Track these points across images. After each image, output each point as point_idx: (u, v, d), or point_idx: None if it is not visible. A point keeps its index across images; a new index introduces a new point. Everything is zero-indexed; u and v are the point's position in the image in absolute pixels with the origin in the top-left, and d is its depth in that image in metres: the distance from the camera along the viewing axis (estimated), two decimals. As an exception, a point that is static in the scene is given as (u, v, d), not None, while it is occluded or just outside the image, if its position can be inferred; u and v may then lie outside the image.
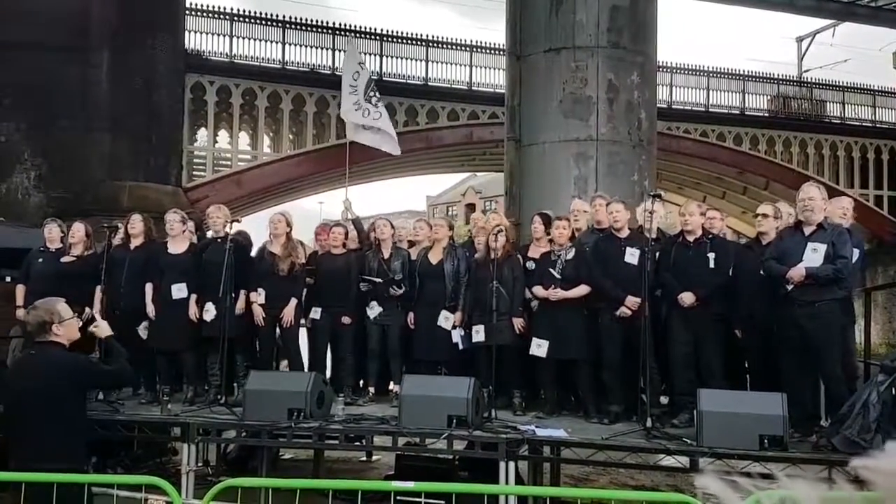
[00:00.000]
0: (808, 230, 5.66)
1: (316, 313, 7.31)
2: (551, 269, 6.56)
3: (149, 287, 7.06)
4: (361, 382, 7.55)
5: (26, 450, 3.80)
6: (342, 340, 7.30)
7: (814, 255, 5.54)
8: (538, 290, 6.58)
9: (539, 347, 6.46)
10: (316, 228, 8.19)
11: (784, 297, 5.60)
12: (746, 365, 6.74)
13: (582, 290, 6.47)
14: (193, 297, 6.99)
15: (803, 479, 0.96)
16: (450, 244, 7.31)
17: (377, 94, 10.79)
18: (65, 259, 7.38)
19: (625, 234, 6.48)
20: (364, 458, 8.47)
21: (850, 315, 6.24)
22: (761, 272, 5.94)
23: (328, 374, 7.43)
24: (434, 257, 7.16)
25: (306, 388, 6.00)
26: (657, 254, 6.41)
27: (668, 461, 5.83)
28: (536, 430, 5.80)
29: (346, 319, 7.19)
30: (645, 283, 6.04)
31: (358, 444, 6.53)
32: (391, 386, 7.43)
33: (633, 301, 6.13)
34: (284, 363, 7.60)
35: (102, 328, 4.60)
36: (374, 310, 7.18)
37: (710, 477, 0.93)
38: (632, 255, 6.29)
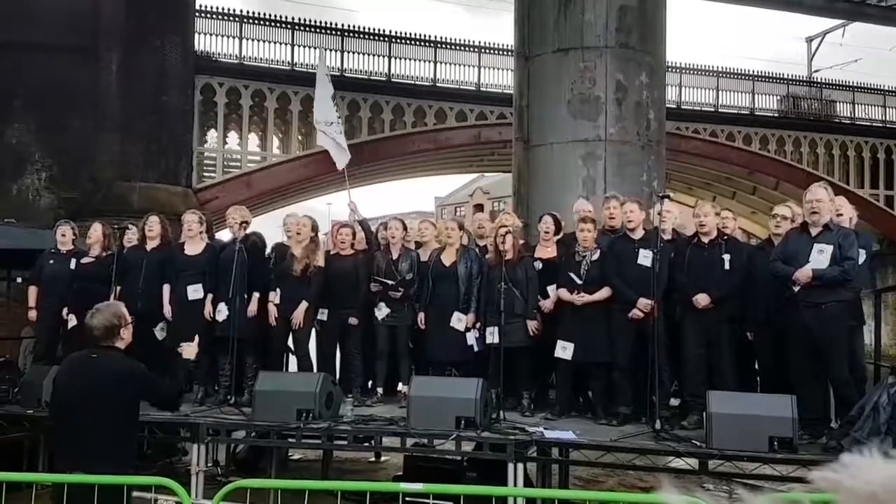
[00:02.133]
0: (814, 231, 5.64)
1: (323, 314, 7.33)
2: (571, 274, 6.54)
3: (166, 288, 7.11)
4: (370, 383, 7.56)
5: (78, 451, 3.78)
6: (350, 341, 7.31)
7: (820, 256, 5.52)
8: (563, 294, 6.58)
9: (564, 350, 6.45)
10: (333, 226, 8.18)
11: (790, 298, 5.59)
12: (757, 367, 6.71)
13: (605, 292, 6.46)
14: (210, 296, 7.04)
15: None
16: (463, 246, 7.31)
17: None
18: (85, 260, 7.42)
19: (639, 234, 6.46)
20: (372, 459, 8.49)
21: (858, 317, 6.21)
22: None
23: (337, 374, 7.45)
24: (447, 259, 7.16)
25: (315, 388, 6.01)
26: (671, 254, 6.39)
27: (678, 463, 5.82)
28: (545, 431, 5.79)
29: (353, 320, 7.20)
30: (654, 284, 6.03)
31: (366, 444, 6.55)
32: (400, 387, 7.44)
33: (644, 303, 6.12)
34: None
35: (189, 350, 4.61)
36: (382, 311, 7.19)
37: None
38: (645, 257, 6.27)
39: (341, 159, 9.97)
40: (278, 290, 7.06)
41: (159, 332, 7.16)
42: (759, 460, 5.19)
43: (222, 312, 6.93)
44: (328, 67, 11.44)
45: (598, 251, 6.57)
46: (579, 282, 6.49)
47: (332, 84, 10.09)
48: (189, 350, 4.62)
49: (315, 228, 7.26)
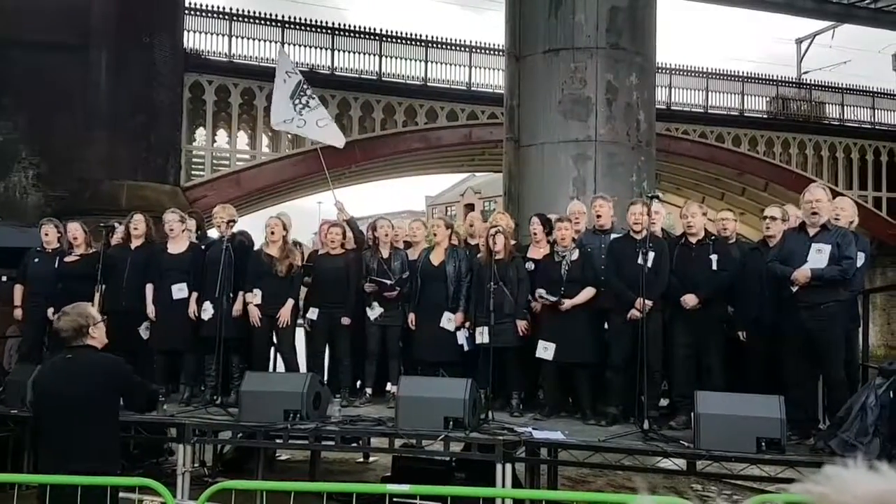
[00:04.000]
0: (812, 231, 5.63)
1: (313, 314, 7.29)
2: (554, 278, 6.54)
3: (149, 287, 7.06)
4: (358, 383, 7.53)
5: (62, 451, 3.76)
6: (340, 341, 7.28)
7: (818, 256, 5.52)
8: (543, 294, 6.57)
9: (545, 350, 6.45)
10: (322, 225, 8.13)
11: (788, 298, 5.58)
12: (747, 367, 6.72)
13: (588, 293, 6.45)
14: (194, 295, 6.99)
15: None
16: (451, 245, 7.29)
17: (305, 97, 9.21)
18: (68, 259, 7.37)
19: (641, 235, 6.45)
20: (361, 460, 8.46)
21: (855, 318, 6.22)
22: (766, 273, 5.92)
23: (325, 375, 7.41)
24: (436, 258, 7.13)
25: (303, 388, 5.98)
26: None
27: (666, 463, 5.82)
28: (534, 431, 5.78)
29: (345, 320, 7.16)
30: (643, 283, 6.02)
31: (355, 445, 6.52)
32: (388, 387, 7.41)
33: (642, 303, 6.10)
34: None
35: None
36: (374, 310, 7.16)
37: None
38: (643, 257, 6.26)
39: (335, 139, 9.52)
40: (258, 290, 7.00)
41: (144, 332, 7.11)
42: (747, 461, 5.19)
43: (207, 311, 6.89)
44: (293, 63, 10.83)
45: (577, 251, 6.58)
46: (562, 289, 6.47)
47: (300, 76, 9.33)
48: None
49: (286, 228, 7.23)
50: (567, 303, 6.42)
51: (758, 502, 3.58)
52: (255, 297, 6.97)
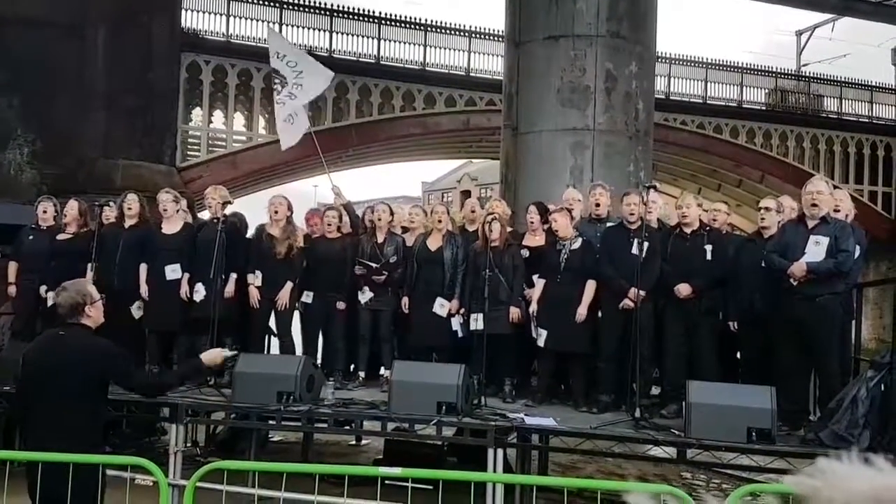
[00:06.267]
0: (811, 223, 5.65)
1: (308, 297, 7.28)
2: (552, 265, 6.54)
3: (143, 267, 7.04)
4: (352, 367, 7.54)
5: (46, 428, 3.74)
6: (334, 325, 7.28)
7: (816, 248, 5.54)
8: (537, 289, 6.58)
9: (539, 337, 6.48)
10: (306, 214, 8.13)
11: (785, 290, 5.60)
12: (739, 357, 6.75)
13: (591, 288, 6.46)
14: (186, 276, 6.97)
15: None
16: (449, 231, 7.28)
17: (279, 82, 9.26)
18: (61, 236, 7.35)
19: (635, 225, 6.45)
20: (353, 443, 8.50)
21: (850, 310, 6.24)
22: (762, 265, 5.93)
23: (319, 357, 7.42)
24: (433, 244, 7.12)
25: (296, 371, 5.98)
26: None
27: (656, 451, 5.85)
28: (525, 418, 5.80)
29: (340, 305, 7.16)
30: (638, 273, 6.03)
31: (347, 428, 6.54)
32: (382, 371, 7.42)
33: (635, 293, 6.12)
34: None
35: (213, 356, 4.48)
36: (365, 294, 7.16)
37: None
38: (638, 247, 6.27)
39: (284, 137, 9.34)
40: (259, 272, 6.99)
41: (136, 311, 7.10)
42: (737, 451, 5.22)
43: (200, 293, 6.87)
44: (292, 45, 10.68)
45: (580, 240, 6.57)
46: (558, 280, 6.48)
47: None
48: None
49: (290, 209, 7.21)
50: (579, 312, 6.39)
51: (746, 492, 3.60)
52: (256, 278, 6.96)
